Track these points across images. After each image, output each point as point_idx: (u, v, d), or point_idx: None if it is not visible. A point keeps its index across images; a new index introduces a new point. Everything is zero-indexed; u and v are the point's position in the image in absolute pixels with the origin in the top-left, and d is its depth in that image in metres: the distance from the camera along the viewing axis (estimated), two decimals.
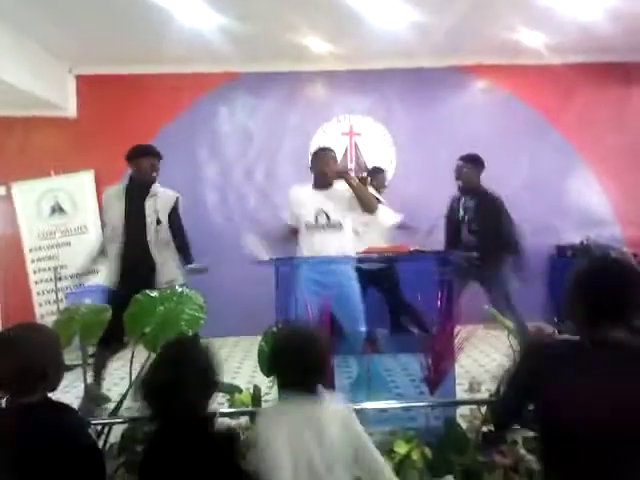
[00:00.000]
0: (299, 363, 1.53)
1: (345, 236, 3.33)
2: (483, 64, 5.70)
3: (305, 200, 3.38)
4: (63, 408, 1.51)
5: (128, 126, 5.48)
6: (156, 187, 3.49)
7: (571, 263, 5.09)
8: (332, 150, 3.53)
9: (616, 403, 1.32)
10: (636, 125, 5.73)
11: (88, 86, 5.67)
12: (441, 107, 5.77)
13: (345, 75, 5.71)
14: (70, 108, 5.63)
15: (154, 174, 3.44)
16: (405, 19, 4.56)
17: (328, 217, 3.28)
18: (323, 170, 3.33)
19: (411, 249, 3.04)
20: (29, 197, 5.42)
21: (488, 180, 4.28)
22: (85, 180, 5.48)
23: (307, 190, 3.43)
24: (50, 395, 1.52)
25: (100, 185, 5.46)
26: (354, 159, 5.77)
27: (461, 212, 4.21)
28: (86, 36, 4.91)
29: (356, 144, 5.81)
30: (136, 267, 3.35)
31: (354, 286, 3.23)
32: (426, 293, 2.76)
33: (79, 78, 5.68)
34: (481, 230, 4.05)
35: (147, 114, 5.59)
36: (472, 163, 4.13)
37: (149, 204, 3.41)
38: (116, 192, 3.49)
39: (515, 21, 4.75)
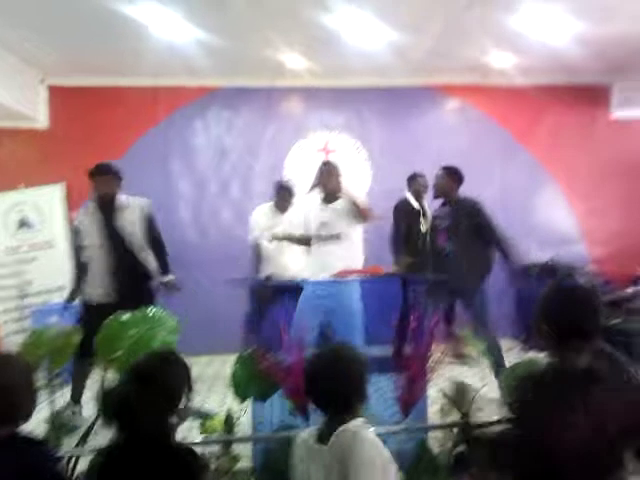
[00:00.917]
0: (339, 387, 1.54)
1: (349, 246, 3.56)
2: (456, 84, 5.82)
3: (310, 213, 3.68)
4: (32, 442, 1.47)
5: (101, 139, 5.41)
6: (122, 199, 3.69)
7: (538, 280, 5.20)
8: (332, 163, 3.75)
9: (586, 431, 1.35)
10: (603, 146, 5.92)
11: (60, 97, 5.57)
12: (415, 125, 5.85)
13: (321, 92, 5.75)
14: (41, 119, 5.51)
15: (111, 191, 3.64)
16: (381, 39, 4.64)
17: (331, 229, 3.57)
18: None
19: (385, 271, 3.06)
20: None
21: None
22: (54, 193, 5.36)
23: (313, 203, 3.70)
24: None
25: (71, 198, 5.36)
26: None
27: (436, 221, 4.25)
28: (60, 46, 4.82)
29: None
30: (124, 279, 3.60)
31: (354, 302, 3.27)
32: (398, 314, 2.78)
33: (51, 89, 5.57)
34: (459, 236, 4.06)
35: (121, 127, 5.52)
36: (446, 172, 4.20)
37: (120, 217, 3.63)
38: (86, 212, 3.69)
39: (486, 44, 4.88)
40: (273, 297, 3.65)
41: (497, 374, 3.48)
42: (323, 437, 1.55)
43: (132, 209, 3.68)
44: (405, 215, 4.81)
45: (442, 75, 5.71)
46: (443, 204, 4.26)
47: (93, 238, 3.62)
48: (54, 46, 4.83)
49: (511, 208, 5.83)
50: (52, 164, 5.41)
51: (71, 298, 3.78)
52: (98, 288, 3.61)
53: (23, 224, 5.26)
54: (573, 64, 5.33)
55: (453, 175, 4.21)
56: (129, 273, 3.61)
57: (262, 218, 4.57)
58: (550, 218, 5.91)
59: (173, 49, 4.73)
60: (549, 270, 5.41)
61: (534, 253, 5.75)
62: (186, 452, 1.47)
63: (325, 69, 5.42)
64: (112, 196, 3.66)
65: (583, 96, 5.93)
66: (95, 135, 5.43)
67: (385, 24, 4.38)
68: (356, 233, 3.64)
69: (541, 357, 1.66)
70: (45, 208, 5.30)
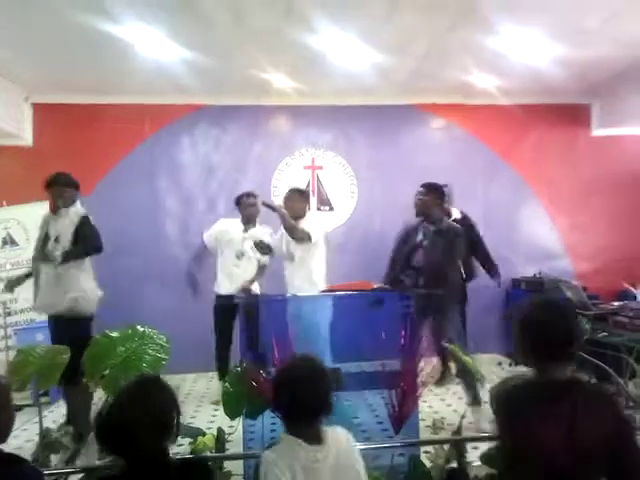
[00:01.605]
0: (319, 394, 1.57)
1: (302, 267, 3.81)
2: (440, 103, 5.92)
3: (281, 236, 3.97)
4: (14, 460, 1.42)
5: (87, 156, 5.39)
6: (66, 209, 3.70)
7: (525, 295, 5.29)
8: (295, 190, 4.05)
9: (569, 440, 1.40)
10: (584, 163, 6.06)
11: (45, 115, 5.54)
12: (401, 143, 5.93)
13: (308, 110, 5.80)
14: (26, 137, 5.48)
15: (60, 201, 3.72)
16: (366, 60, 4.72)
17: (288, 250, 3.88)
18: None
19: (374, 286, 3.08)
20: None
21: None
22: (39, 211, 5.28)
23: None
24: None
25: None
26: (316, 192, 5.84)
27: (420, 236, 4.27)
28: (45, 64, 4.81)
29: (318, 177, 5.88)
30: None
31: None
32: (389, 330, 2.79)
33: (35, 106, 5.55)
34: (433, 258, 4.10)
35: (107, 144, 5.51)
36: (427, 189, 4.23)
37: (52, 227, 3.68)
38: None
39: (469, 65, 4.99)
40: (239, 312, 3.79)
41: (469, 388, 3.50)
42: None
43: (67, 219, 3.65)
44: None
45: (427, 95, 5.81)
46: (425, 221, 4.28)
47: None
48: (39, 64, 4.82)
49: (495, 224, 5.92)
50: (37, 182, 5.30)
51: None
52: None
53: (7, 242, 5.18)
54: (554, 85, 5.48)
55: (433, 192, 4.24)
56: (53, 287, 3.50)
57: (230, 227, 4.59)
58: (534, 234, 6.00)
59: (160, 68, 4.75)
60: (536, 284, 5.48)
61: (519, 268, 5.87)
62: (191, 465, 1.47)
63: (311, 89, 5.48)
64: (61, 206, 3.71)
65: (564, 115, 6.08)
66: (81, 152, 5.40)
67: (369, 46, 4.46)
68: (315, 255, 3.82)
69: (529, 371, 1.68)
70: (29, 226, 5.23)
